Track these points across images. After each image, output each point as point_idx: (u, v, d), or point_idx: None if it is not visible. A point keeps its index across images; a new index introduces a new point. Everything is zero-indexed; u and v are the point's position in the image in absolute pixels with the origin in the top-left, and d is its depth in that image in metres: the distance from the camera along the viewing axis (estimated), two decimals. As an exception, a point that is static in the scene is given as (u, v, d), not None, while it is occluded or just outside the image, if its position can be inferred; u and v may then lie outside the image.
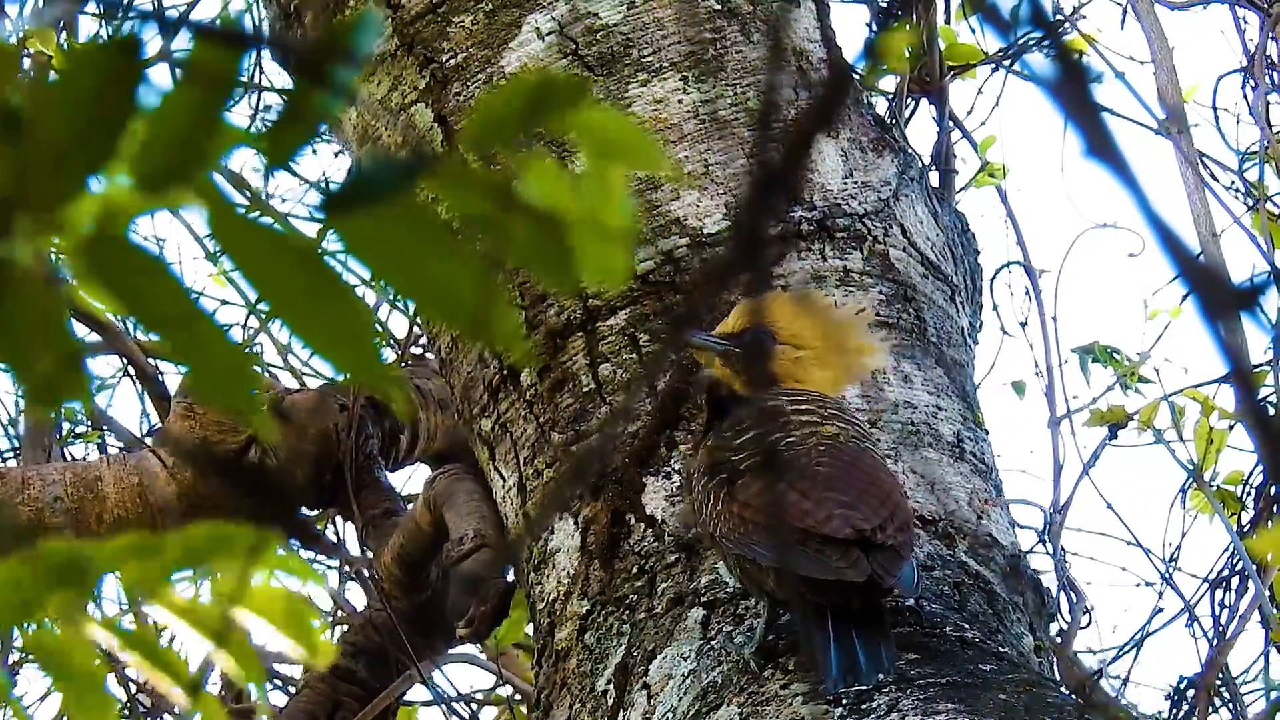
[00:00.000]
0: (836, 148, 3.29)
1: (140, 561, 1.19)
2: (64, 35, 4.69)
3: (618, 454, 3.03)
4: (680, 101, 3.24)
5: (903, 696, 2.53)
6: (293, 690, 4.46)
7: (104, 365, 5.14)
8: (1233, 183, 4.36)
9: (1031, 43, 4.14)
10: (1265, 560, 4.05)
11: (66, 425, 5.09)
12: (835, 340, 2.76)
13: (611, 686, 2.90)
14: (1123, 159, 1.04)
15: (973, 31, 4.39)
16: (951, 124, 4.14)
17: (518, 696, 4.86)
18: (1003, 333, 4.32)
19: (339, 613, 4.79)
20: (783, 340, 2.76)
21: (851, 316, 2.79)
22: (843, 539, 2.52)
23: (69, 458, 4.94)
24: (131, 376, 4.83)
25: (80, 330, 4.39)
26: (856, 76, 3.61)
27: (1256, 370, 4.08)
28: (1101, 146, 1.04)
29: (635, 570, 2.97)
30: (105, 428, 4.97)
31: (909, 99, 4.11)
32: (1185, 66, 4.20)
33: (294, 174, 5.11)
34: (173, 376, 4.61)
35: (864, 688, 2.53)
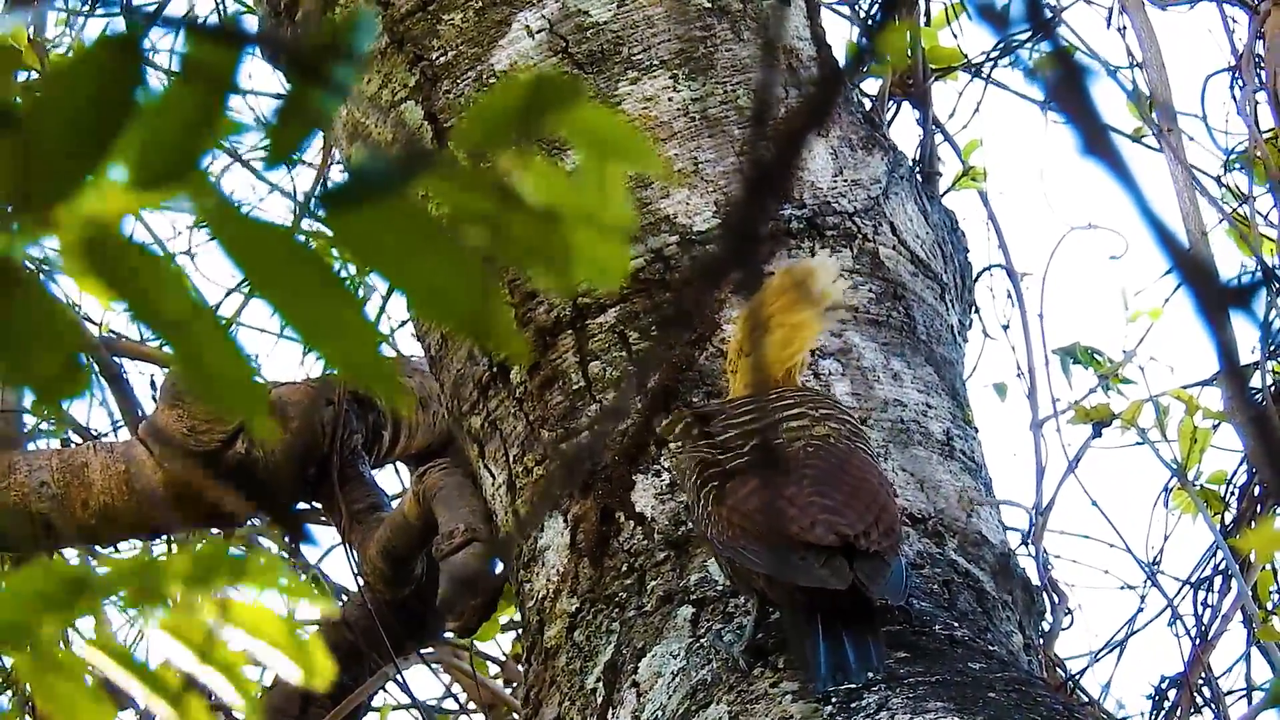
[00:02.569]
0: (826, 146, 3.29)
1: (141, 583, 1.18)
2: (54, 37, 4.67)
3: (607, 451, 3.03)
4: (670, 99, 3.24)
5: (892, 695, 2.53)
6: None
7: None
8: (1226, 185, 4.37)
9: (1015, 44, 4.14)
10: (1248, 559, 4.06)
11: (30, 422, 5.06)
12: (785, 317, 2.76)
13: (601, 684, 2.90)
14: (1120, 156, 1.05)
15: (954, 37, 4.39)
16: (934, 127, 4.14)
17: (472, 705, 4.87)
18: (985, 335, 4.32)
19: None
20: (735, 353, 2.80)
21: (809, 275, 2.78)
22: (827, 546, 2.53)
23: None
24: (96, 373, 4.80)
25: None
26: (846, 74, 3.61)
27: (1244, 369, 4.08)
28: (1099, 144, 1.04)
29: (625, 568, 2.97)
30: (69, 426, 4.94)
31: (890, 102, 4.11)
32: (1173, 66, 4.20)
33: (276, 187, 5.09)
34: (139, 374, 4.59)
35: (853, 686, 2.53)
